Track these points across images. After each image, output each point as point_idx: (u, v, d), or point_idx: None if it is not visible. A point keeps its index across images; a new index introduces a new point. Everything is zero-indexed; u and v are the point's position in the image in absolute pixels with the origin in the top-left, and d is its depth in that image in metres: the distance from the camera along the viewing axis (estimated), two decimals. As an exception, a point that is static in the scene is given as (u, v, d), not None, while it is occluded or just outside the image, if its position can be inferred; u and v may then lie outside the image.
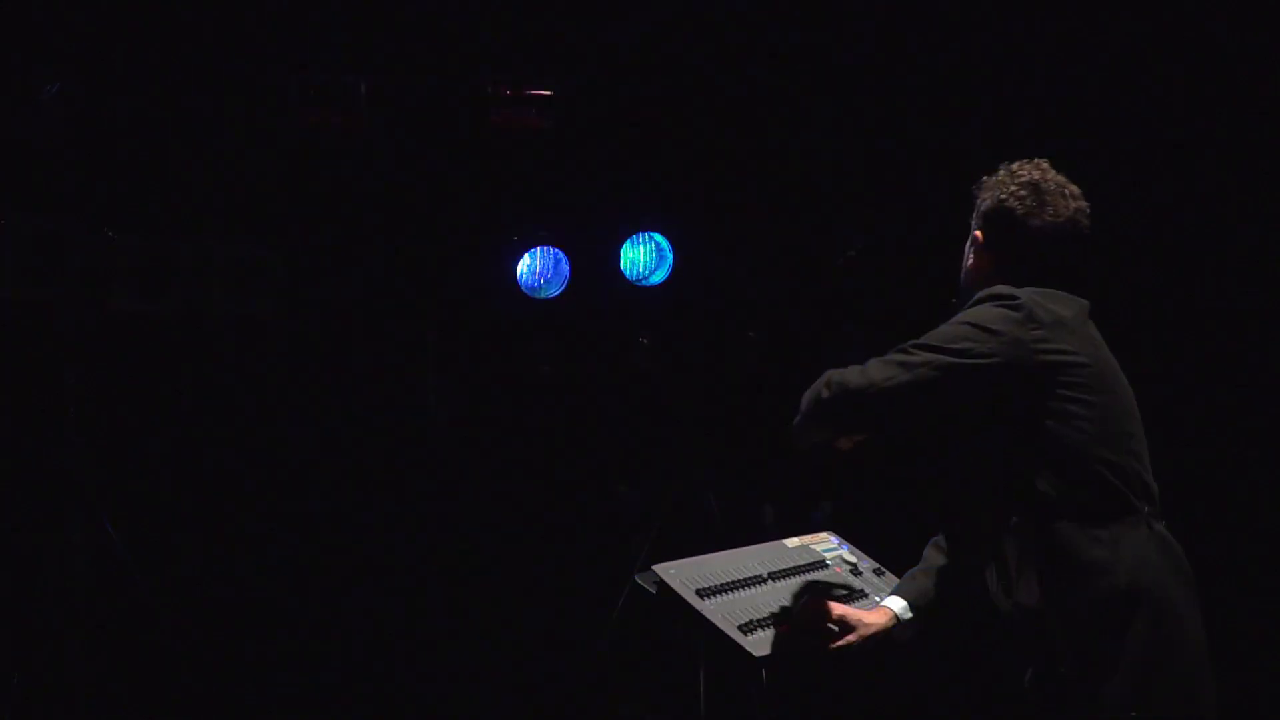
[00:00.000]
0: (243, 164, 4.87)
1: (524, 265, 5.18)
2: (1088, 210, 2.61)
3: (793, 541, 3.08)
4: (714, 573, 2.73)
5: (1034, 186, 2.59)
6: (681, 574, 2.67)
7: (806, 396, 2.48)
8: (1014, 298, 2.43)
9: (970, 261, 2.68)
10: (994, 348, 2.37)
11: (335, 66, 4.76)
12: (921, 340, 2.43)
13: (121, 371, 4.77)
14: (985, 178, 2.69)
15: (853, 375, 2.41)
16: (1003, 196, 2.60)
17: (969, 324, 2.41)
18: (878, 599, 2.87)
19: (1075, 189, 2.62)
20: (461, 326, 5.34)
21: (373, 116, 4.81)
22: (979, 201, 2.67)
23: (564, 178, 5.33)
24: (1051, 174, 2.63)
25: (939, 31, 5.04)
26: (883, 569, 3.11)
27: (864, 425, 2.54)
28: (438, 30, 4.96)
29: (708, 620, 2.57)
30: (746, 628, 2.57)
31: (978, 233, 2.66)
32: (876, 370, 2.39)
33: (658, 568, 2.67)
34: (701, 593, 2.63)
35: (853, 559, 3.09)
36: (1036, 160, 2.65)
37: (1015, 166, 2.65)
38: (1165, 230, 4.96)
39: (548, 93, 4.99)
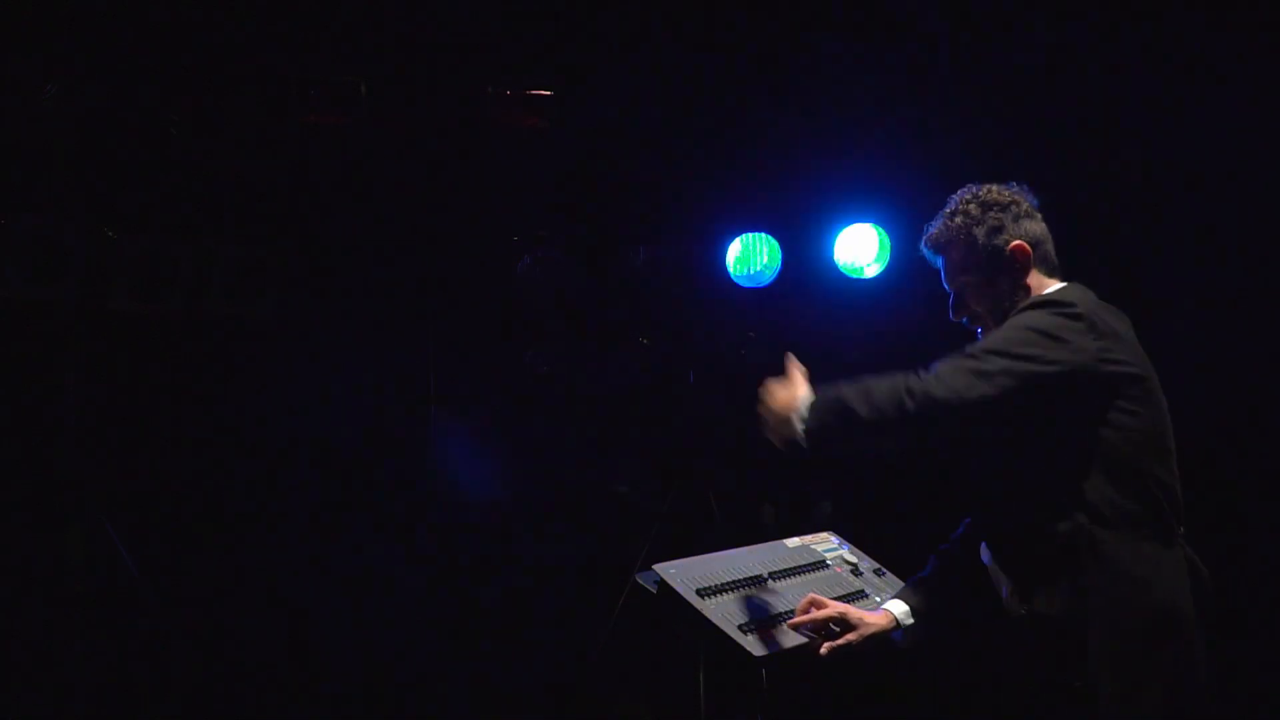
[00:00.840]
0: (243, 164, 4.86)
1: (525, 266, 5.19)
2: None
3: (793, 541, 3.08)
4: (714, 572, 2.73)
5: (994, 202, 2.65)
6: (681, 574, 2.67)
7: (869, 407, 2.37)
8: (1071, 305, 2.45)
9: (985, 302, 2.66)
10: (1063, 356, 2.38)
11: (335, 66, 4.76)
12: (989, 346, 2.42)
13: (121, 371, 4.77)
14: (943, 228, 2.69)
15: (935, 386, 2.36)
16: (991, 221, 2.63)
17: (1035, 330, 2.41)
18: (878, 599, 2.87)
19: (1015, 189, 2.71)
20: (461, 326, 5.33)
21: (373, 116, 4.81)
22: (961, 245, 2.66)
23: (564, 178, 5.33)
24: (993, 188, 2.70)
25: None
26: (883, 569, 3.11)
27: (944, 434, 2.49)
28: (437, 30, 4.96)
29: (708, 620, 2.56)
30: (746, 627, 2.57)
31: (1001, 256, 2.62)
32: (957, 379, 2.36)
33: (658, 567, 2.66)
34: (702, 592, 2.63)
35: (853, 559, 3.09)
36: (969, 189, 2.71)
37: (963, 203, 2.68)
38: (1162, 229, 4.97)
39: (548, 93, 4.99)
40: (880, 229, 5.31)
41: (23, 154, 4.46)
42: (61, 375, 4.54)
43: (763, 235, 5.34)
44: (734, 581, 2.73)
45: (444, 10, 4.92)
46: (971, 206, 2.67)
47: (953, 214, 2.69)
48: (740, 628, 2.56)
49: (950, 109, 5.16)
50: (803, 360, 2.58)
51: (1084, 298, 2.52)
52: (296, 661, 4.85)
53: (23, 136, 4.42)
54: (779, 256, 5.34)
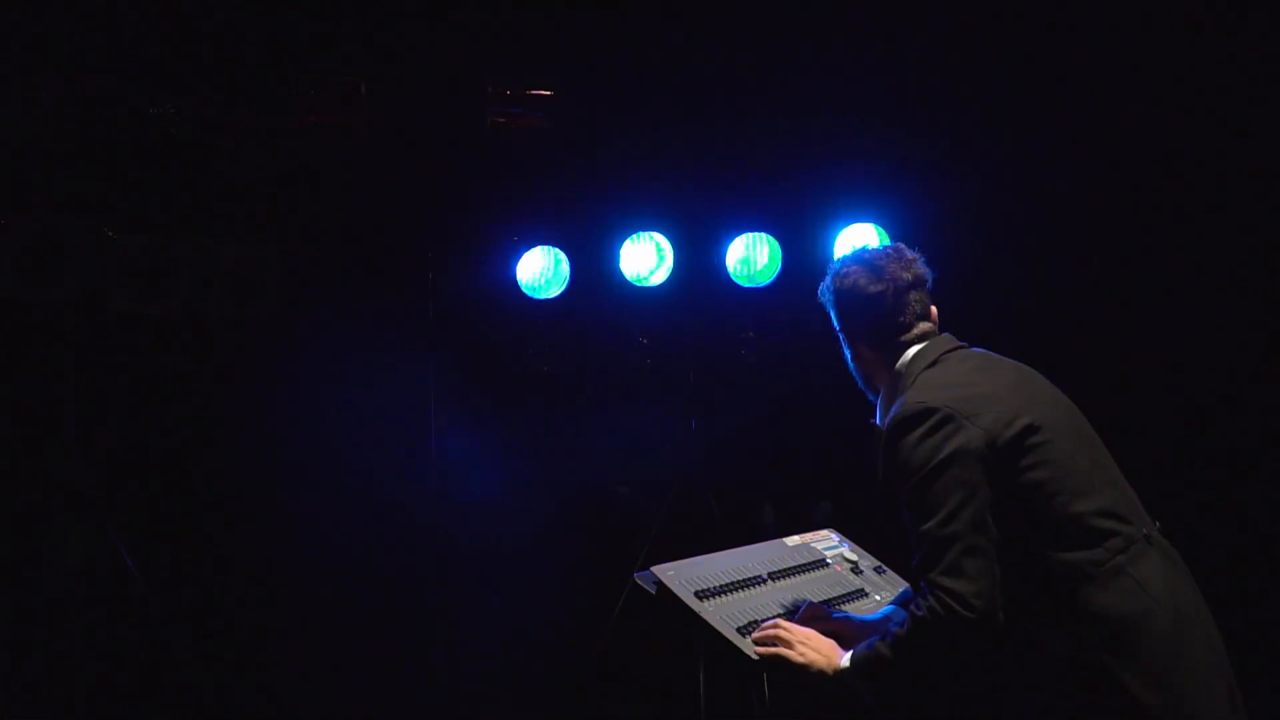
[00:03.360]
0: (243, 164, 4.86)
1: (524, 265, 5.19)
2: (923, 260, 2.69)
3: (793, 540, 3.07)
4: (713, 573, 2.72)
5: (859, 259, 2.68)
6: (680, 575, 2.66)
7: (916, 662, 2.36)
8: (927, 412, 2.40)
9: (856, 360, 2.72)
10: (977, 467, 2.34)
11: (335, 66, 4.76)
12: (938, 519, 2.34)
13: (121, 371, 4.77)
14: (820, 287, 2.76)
15: (957, 602, 2.29)
16: (839, 286, 2.68)
17: (938, 470, 2.35)
18: (878, 597, 2.86)
19: (904, 248, 2.70)
20: (461, 326, 5.33)
21: (373, 116, 4.81)
22: (828, 305, 2.74)
23: (564, 178, 5.33)
24: (874, 247, 2.73)
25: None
26: (883, 567, 3.10)
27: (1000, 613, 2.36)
28: (438, 30, 4.96)
29: (706, 622, 2.56)
30: (745, 629, 2.56)
31: (843, 328, 2.70)
32: (964, 574, 2.29)
33: (656, 569, 2.65)
34: (700, 594, 2.62)
35: (853, 557, 3.08)
36: (834, 264, 2.75)
37: (837, 265, 2.73)
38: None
39: (548, 93, 4.99)
40: (881, 229, 5.31)
41: (23, 154, 4.46)
42: (61, 375, 4.54)
43: (763, 235, 5.34)
44: (733, 583, 2.72)
45: (444, 10, 4.92)
46: (834, 280, 2.72)
47: (822, 285, 2.75)
48: (739, 630, 2.55)
49: (951, 108, 5.16)
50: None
51: (930, 385, 2.48)
52: (297, 661, 4.85)
53: (23, 136, 4.42)
54: (779, 256, 5.33)
